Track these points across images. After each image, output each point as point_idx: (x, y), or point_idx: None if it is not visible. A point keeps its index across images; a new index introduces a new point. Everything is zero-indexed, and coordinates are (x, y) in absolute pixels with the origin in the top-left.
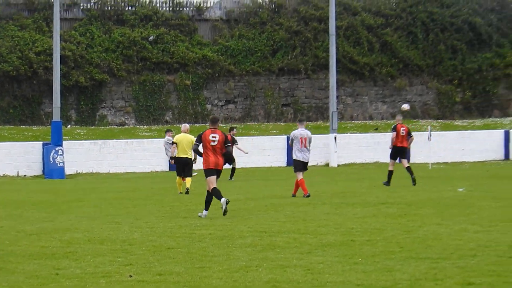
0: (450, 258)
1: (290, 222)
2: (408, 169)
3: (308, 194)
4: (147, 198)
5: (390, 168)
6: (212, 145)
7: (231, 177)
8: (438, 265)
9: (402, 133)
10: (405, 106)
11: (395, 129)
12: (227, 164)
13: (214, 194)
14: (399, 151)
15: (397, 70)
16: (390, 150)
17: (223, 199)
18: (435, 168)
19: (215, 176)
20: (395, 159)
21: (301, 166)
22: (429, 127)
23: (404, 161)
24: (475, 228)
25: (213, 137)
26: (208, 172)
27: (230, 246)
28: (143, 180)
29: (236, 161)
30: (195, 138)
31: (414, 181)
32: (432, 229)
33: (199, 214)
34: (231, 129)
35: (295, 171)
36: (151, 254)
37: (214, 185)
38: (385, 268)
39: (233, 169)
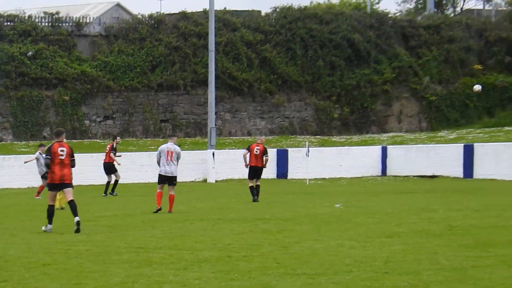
0: (326, 273)
1: (167, 238)
2: (257, 187)
3: (159, 208)
4: (23, 214)
5: (250, 184)
6: (60, 159)
7: (112, 191)
8: (314, 281)
9: (256, 152)
10: (477, 87)
11: (248, 148)
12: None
13: (47, 212)
14: (255, 171)
15: (275, 86)
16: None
17: (76, 218)
18: (312, 184)
19: (56, 193)
20: (253, 179)
21: (162, 180)
22: (307, 143)
23: (257, 180)
24: (351, 243)
25: (61, 150)
26: (51, 186)
27: (106, 262)
28: (20, 196)
29: (119, 174)
30: (46, 153)
31: (255, 199)
32: (309, 245)
33: (43, 228)
34: (115, 137)
35: (158, 184)
36: (26, 270)
37: (52, 203)
38: (261, 284)
39: (116, 182)
